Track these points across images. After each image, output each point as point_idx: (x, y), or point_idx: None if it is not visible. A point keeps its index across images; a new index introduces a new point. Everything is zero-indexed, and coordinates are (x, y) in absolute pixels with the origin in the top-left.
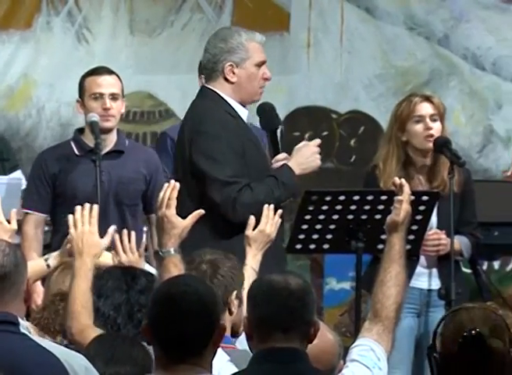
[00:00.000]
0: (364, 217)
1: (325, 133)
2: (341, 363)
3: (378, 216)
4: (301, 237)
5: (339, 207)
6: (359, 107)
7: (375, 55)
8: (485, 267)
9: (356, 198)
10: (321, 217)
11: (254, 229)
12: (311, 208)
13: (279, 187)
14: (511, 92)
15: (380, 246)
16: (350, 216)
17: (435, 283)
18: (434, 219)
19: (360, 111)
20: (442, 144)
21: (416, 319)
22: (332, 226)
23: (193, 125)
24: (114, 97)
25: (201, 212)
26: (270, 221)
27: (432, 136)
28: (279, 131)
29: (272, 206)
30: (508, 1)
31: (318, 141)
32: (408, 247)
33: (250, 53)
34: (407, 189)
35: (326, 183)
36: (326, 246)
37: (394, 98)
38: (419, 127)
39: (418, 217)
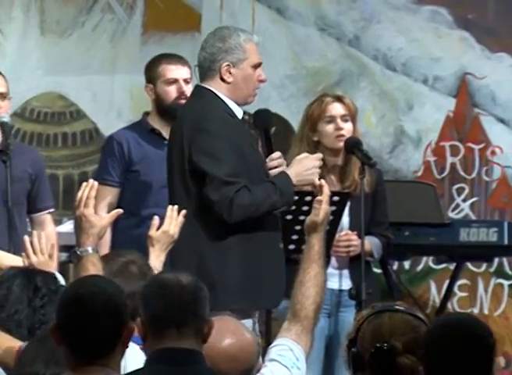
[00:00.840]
0: None
1: None
2: (260, 363)
3: (289, 217)
4: None
5: None
6: (270, 107)
7: (286, 56)
8: (395, 267)
9: None
10: None
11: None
12: None
13: (276, 193)
14: (422, 93)
15: (291, 246)
16: None
17: (346, 284)
18: (346, 219)
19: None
20: (353, 145)
21: (327, 319)
22: None
23: (192, 123)
24: (2, 96)
25: (120, 211)
26: (174, 222)
27: (342, 136)
28: (272, 130)
29: (175, 207)
30: (418, 2)
31: (320, 155)
32: None
33: (248, 54)
34: (326, 190)
35: None
36: None
37: (305, 98)
38: (330, 127)
39: (329, 217)
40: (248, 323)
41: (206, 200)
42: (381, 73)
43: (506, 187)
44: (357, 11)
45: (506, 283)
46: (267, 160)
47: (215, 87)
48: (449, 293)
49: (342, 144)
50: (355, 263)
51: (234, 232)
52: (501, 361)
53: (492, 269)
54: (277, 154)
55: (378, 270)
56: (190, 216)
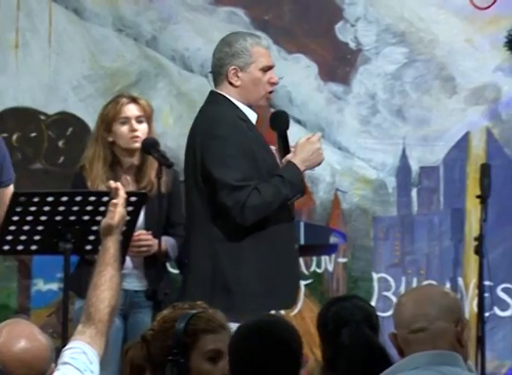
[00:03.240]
0: (72, 218)
1: (34, 134)
2: (52, 366)
3: (86, 217)
4: (9, 238)
5: (47, 208)
6: (67, 108)
7: (83, 57)
8: None
9: (64, 199)
10: (29, 218)
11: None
12: (18, 209)
13: (286, 185)
14: None
15: (88, 247)
16: (59, 217)
17: (142, 284)
18: (141, 219)
19: (69, 112)
20: (151, 146)
21: (122, 320)
22: (40, 228)
23: (204, 129)
24: None
25: None
26: None
27: (137, 137)
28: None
29: None
30: (215, 3)
31: (319, 134)
32: None
33: (255, 57)
34: (122, 192)
35: (35, 184)
36: (34, 247)
37: (103, 98)
38: (125, 128)
39: (126, 218)
40: None
41: (221, 206)
42: (178, 74)
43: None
44: (155, 11)
45: (302, 283)
46: (283, 161)
47: (226, 91)
48: None
49: (136, 144)
50: (150, 263)
51: (248, 235)
52: None
53: None
54: (291, 155)
55: (175, 271)
56: (205, 220)
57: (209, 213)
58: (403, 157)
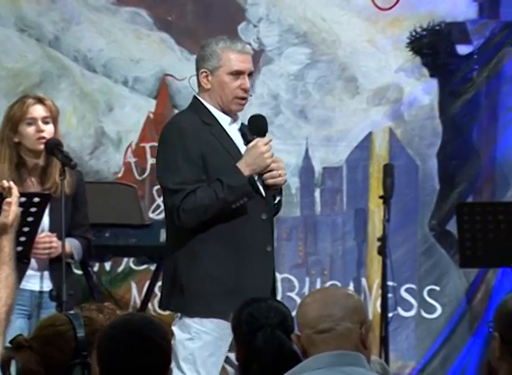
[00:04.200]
0: None
1: None
2: None
3: None
4: None
5: None
6: None
7: None
8: (96, 268)
9: None
10: None
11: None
12: None
13: (224, 189)
14: (122, 94)
15: None
16: None
17: (47, 285)
18: (46, 221)
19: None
20: (54, 146)
21: (27, 320)
22: None
23: (159, 134)
24: None
25: None
26: None
27: (43, 138)
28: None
29: None
30: (118, 3)
31: (266, 139)
32: (20, 249)
33: (224, 61)
34: (15, 191)
35: None
36: None
37: (5, 99)
38: (31, 129)
39: (30, 219)
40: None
41: (165, 209)
42: (81, 75)
43: None
44: (58, 12)
45: None
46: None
47: (201, 95)
48: (149, 293)
49: (43, 146)
50: (55, 265)
51: (205, 238)
52: None
53: None
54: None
55: (79, 271)
56: (169, 224)
57: (168, 218)
58: (306, 157)
